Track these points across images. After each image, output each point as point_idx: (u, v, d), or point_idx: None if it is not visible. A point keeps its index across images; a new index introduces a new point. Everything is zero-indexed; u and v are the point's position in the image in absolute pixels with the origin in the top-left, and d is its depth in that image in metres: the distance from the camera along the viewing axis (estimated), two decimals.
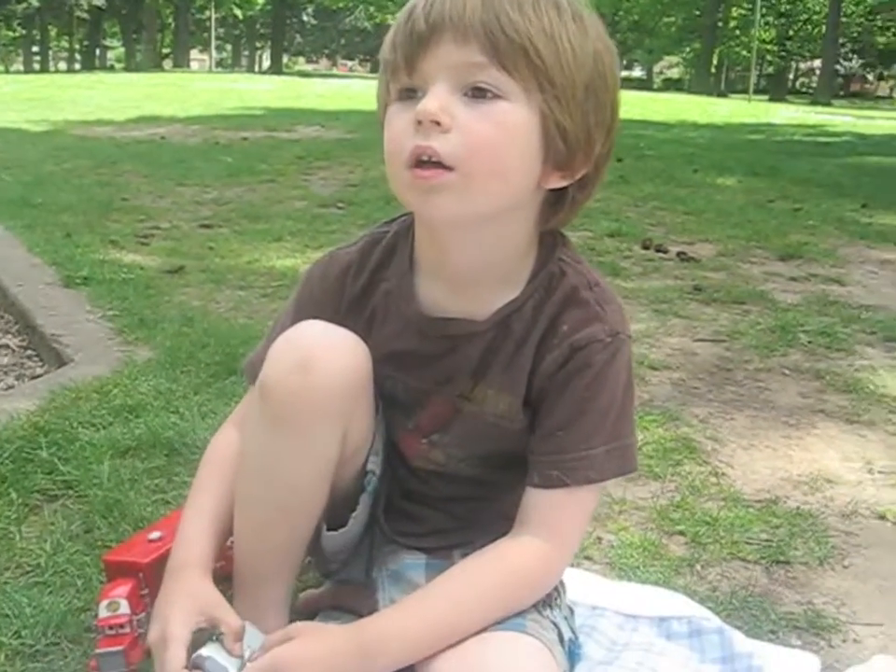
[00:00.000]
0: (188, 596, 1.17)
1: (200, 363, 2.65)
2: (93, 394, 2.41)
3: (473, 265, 1.18)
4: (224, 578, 1.30)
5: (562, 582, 1.30)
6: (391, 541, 1.37)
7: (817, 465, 2.26)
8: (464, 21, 1.04)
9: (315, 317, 1.23)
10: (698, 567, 1.74)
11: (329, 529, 1.30)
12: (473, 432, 1.26)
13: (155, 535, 1.38)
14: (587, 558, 1.74)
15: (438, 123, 1.04)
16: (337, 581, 1.42)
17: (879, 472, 2.23)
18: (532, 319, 1.19)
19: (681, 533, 1.86)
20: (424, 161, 1.05)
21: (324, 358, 1.15)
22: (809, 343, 3.26)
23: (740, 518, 1.92)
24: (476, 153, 1.04)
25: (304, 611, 1.40)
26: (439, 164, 1.04)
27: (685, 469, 2.17)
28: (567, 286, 1.19)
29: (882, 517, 2.00)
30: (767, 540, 1.85)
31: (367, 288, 1.27)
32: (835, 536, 1.90)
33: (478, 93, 1.05)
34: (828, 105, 31.21)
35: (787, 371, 2.96)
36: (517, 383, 1.21)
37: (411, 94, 1.08)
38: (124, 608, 1.26)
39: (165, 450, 2.08)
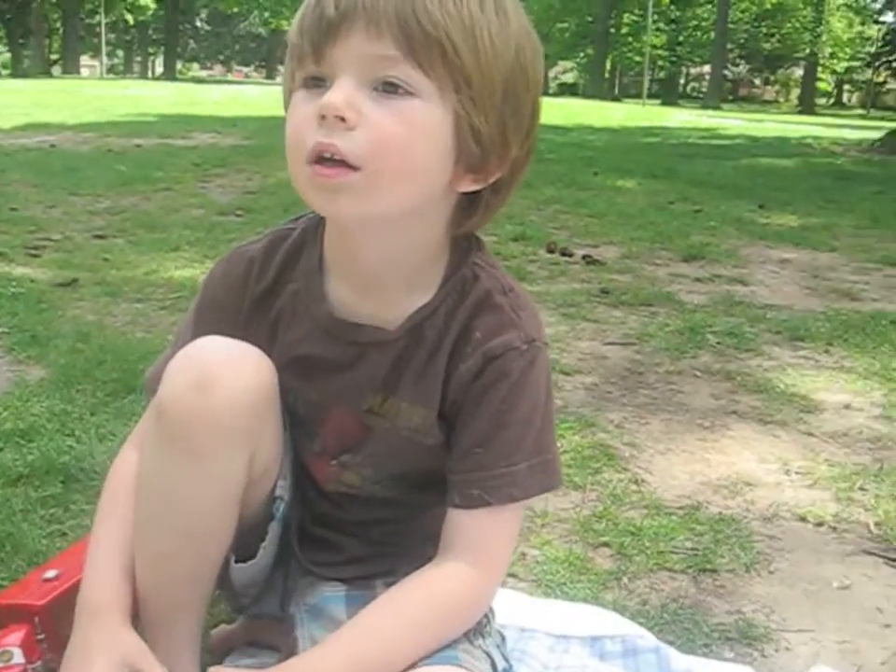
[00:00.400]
0: (108, 648, 1.07)
1: (96, 381, 2.51)
2: None
3: (382, 265, 1.10)
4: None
5: (490, 607, 1.23)
6: (308, 572, 1.28)
7: (734, 468, 2.25)
8: (377, 10, 0.95)
9: (218, 320, 1.15)
10: (625, 579, 1.70)
11: (237, 561, 1.21)
12: (387, 450, 1.18)
13: (51, 573, 1.27)
14: (512, 576, 1.67)
15: (343, 119, 0.95)
16: (251, 616, 1.33)
17: (796, 473, 2.23)
18: (444, 325, 1.12)
19: (606, 545, 1.82)
20: (326, 159, 0.97)
21: (224, 376, 1.06)
22: (718, 343, 3.27)
23: (664, 526, 1.89)
24: (382, 153, 0.96)
25: (218, 649, 1.31)
26: (342, 163, 0.96)
27: (605, 476, 2.13)
28: (481, 290, 1.12)
29: (803, 519, 1.99)
30: (693, 549, 1.82)
31: (273, 288, 1.18)
32: (759, 541, 1.88)
33: (389, 88, 0.96)
34: (718, 108, 32.07)
35: (698, 373, 2.97)
36: (431, 394, 1.13)
37: (318, 83, 0.99)
38: (18, 657, 1.15)
39: (61, 476, 1.95)
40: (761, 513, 2.00)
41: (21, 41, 42.62)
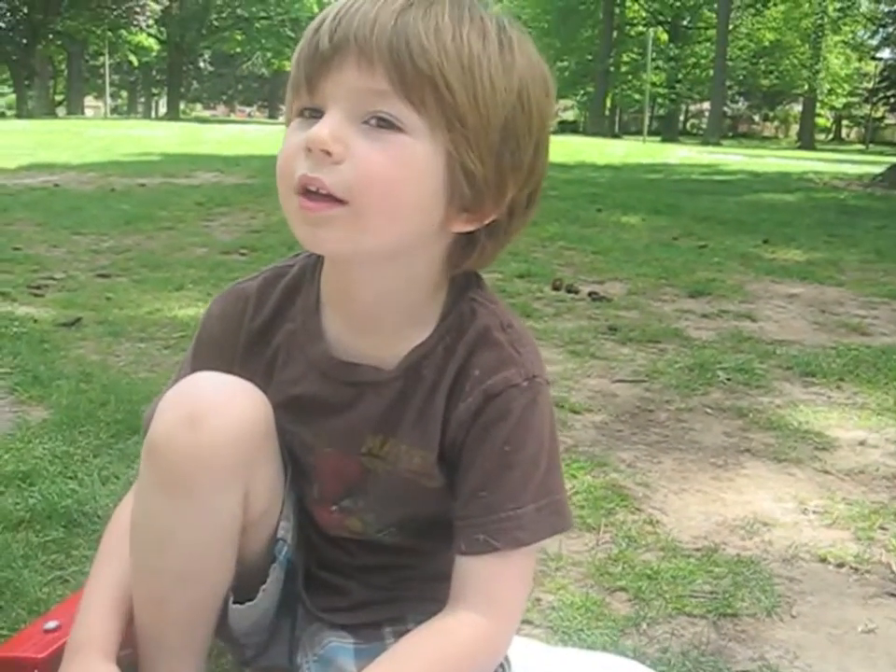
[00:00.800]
0: None
1: (100, 423, 2.47)
2: None
3: (378, 302, 1.08)
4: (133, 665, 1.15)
5: (506, 657, 1.18)
6: (315, 619, 1.24)
7: (750, 507, 2.20)
8: (370, 44, 0.93)
9: (214, 357, 1.13)
10: (644, 625, 1.65)
11: (236, 602, 1.17)
12: (388, 494, 1.14)
13: (51, 624, 1.23)
14: (527, 622, 1.62)
15: (328, 153, 0.93)
16: (258, 668, 1.28)
17: (813, 512, 2.18)
18: (443, 364, 1.09)
19: (623, 589, 1.77)
20: (312, 192, 0.94)
21: (215, 411, 1.03)
22: (728, 380, 3.23)
23: (681, 569, 1.84)
24: (368, 187, 0.93)
25: None
26: (328, 197, 0.94)
27: (618, 518, 2.08)
28: (479, 326, 1.09)
29: (823, 560, 1.94)
30: (712, 592, 1.77)
31: (269, 326, 1.15)
32: (779, 583, 1.83)
33: (379, 123, 0.94)
34: (718, 144, 32.22)
35: (709, 410, 2.92)
36: (430, 435, 1.10)
37: (314, 114, 0.97)
38: None
39: (63, 521, 1.91)
40: (780, 555, 1.95)
41: (25, 82, 42.95)
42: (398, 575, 1.22)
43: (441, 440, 1.09)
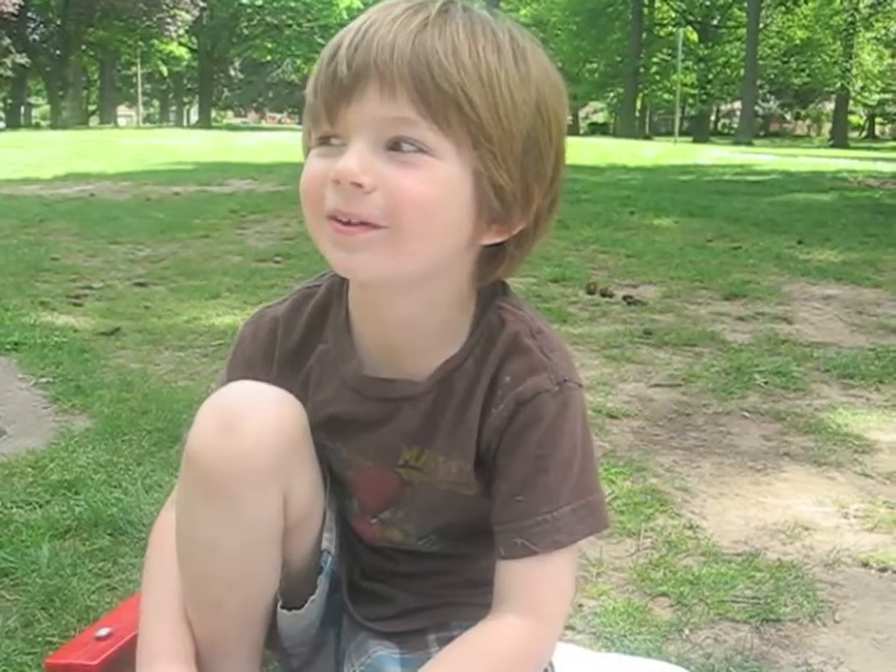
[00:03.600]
0: None
1: (142, 431, 2.51)
2: (28, 469, 2.26)
3: (407, 322, 1.08)
4: None
5: (550, 663, 1.19)
6: (360, 628, 1.25)
7: (790, 511, 2.19)
8: (391, 69, 0.93)
9: (248, 379, 1.13)
10: (687, 631, 1.65)
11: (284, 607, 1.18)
12: (427, 503, 1.16)
13: (103, 631, 1.25)
14: (570, 628, 1.63)
15: (359, 185, 0.94)
16: None
17: (854, 517, 2.17)
18: (475, 374, 1.09)
19: (665, 594, 1.77)
20: (345, 222, 0.95)
21: (249, 418, 1.04)
22: (765, 383, 3.22)
23: (722, 574, 1.84)
24: (402, 212, 0.94)
25: None
26: (362, 223, 0.95)
27: (658, 523, 2.09)
28: (509, 333, 1.09)
29: (865, 564, 1.93)
30: (754, 597, 1.77)
31: (301, 348, 1.16)
32: (822, 588, 1.83)
33: (404, 148, 0.95)
34: (750, 144, 31.93)
35: (747, 414, 2.91)
36: (466, 444, 1.10)
37: (335, 140, 0.98)
38: None
39: (109, 529, 1.94)
40: (821, 559, 1.95)
41: (59, 93, 43.38)
42: (441, 581, 1.23)
43: (477, 448, 1.10)
